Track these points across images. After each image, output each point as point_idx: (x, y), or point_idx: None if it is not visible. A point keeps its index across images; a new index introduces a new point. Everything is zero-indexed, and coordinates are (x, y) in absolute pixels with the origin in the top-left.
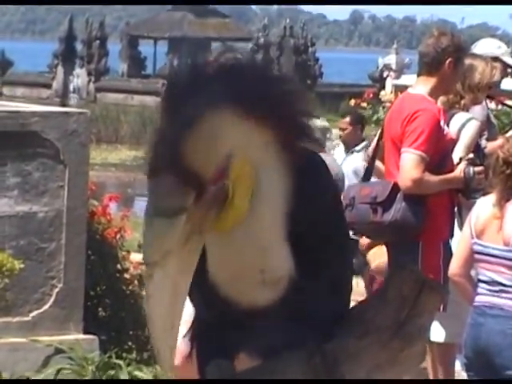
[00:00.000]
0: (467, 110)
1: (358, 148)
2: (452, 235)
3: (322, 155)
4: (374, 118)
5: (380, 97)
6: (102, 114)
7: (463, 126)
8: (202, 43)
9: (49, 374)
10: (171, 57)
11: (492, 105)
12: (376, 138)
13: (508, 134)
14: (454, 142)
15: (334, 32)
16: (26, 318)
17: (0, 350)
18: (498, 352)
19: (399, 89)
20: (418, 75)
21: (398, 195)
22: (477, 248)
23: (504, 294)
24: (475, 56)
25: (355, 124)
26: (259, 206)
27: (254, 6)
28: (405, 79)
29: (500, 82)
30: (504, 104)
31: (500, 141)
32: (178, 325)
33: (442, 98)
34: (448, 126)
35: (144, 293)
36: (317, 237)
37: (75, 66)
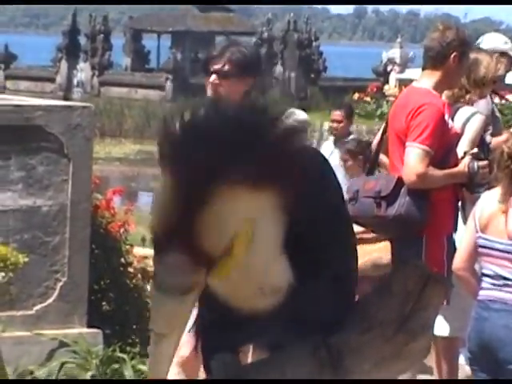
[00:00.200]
0: (472, 104)
1: (346, 141)
2: (456, 229)
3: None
4: (378, 112)
5: (384, 91)
6: (105, 108)
7: (468, 120)
8: (205, 37)
9: (53, 367)
10: (175, 51)
11: (496, 99)
12: (380, 132)
13: None
14: (459, 136)
15: (338, 26)
16: (29, 312)
17: (4, 344)
18: (501, 346)
19: (403, 83)
20: (423, 69)
21: (402, 189)
22: (481, 242)
23: (508, 288)
24: (480, 50)
25: (349, 117)
26: (257, 249)
27: None
28: (409, 73)
29: (505, 76)
30: (505, 99)
31: (505, 135)
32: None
33: (446, 92)
34: (453, 120)
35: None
36: (317, 236)
37: (79, 60)
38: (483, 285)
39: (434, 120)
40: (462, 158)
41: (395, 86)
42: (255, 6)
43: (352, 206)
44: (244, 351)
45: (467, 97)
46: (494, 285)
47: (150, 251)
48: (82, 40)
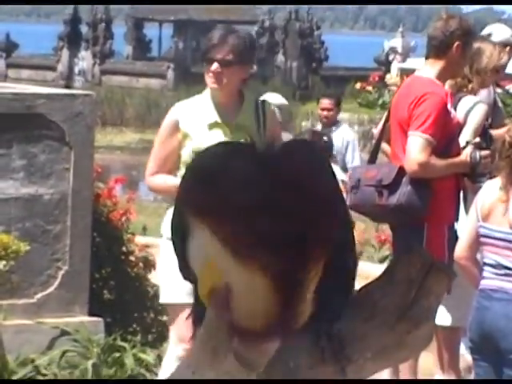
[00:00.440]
0: (475, 94)
1: (334, 128)
2: (457, 219)
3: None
4: (380, 101)
5: (385, 80)
6: (107, 96)
7: (470, 110)
8: (207, 26)
9: (54, 355)
10: (176, 40)
11: (498, 89)
12: (382, 121)
13: None
14: (461, 125)
15: (340, 15)
16: (31, 300)
17: (5, 332)
18: (502, 336)
19: (405, 72)
20: (426, 58)
21: (404, 178)
22: (482, 231)
23: (509, 278)
24: (483, 39)
25: (338, 105)
26: None
27: None
28: (410, 62)
29: (506, 65)
30: (502, 87)
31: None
32: None
33: (449, 81)
34: (455, 109)
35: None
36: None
37: (80, 49)
38: (485, 274)
39: (436, 109)
40: (464, 147)
41: (397, 76)
42: None
43: (353, 195)
44: None
45: (470, 86)
46: (495, 274)
47: (151, 240)
48: (84, 28)
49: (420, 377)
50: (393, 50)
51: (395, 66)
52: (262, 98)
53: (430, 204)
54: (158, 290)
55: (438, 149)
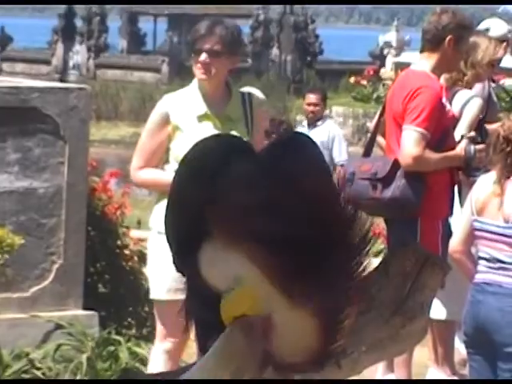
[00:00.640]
0: (470, 88)
1: (319, 123)
2: (451, 213)
3: None
4: (374, 95)
5: (380, 74)
6: (101, 90)
7: (466, 104)
8: (201, 20)
9: (49, 349)
10: (171, 33)
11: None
12: (378, 115)
13: None
14: (456, 119)
15: (334, 9)
16: (25, 294)
17: (0, 326)
18: (496, 329)
19: (399, 66)
20: (421, 52)
21: (399, 172)
22: (477, 225)
23: (503, 272)
24: (479, 33)
25: (324, 101)
26: None
27: None
28: (405, 56)
29: (501, 59)
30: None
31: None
32: None
33: (444, 75)
34: (451, 103)
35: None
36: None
37: (75, 43)
38: (479, 268)
39: (431, 103)
40: (459, 141)
41: (391, 70)
42: None
43: (348, 188)
44: None
45: (465, 80)
46: (489, 268)
47: (145, 234)
48: (78, 22)
49: (414, 370)
50: (387, 44)
51: (390, 60)
52: (245, 90)
53: (424, 198)
54: None
55: (432, 142)
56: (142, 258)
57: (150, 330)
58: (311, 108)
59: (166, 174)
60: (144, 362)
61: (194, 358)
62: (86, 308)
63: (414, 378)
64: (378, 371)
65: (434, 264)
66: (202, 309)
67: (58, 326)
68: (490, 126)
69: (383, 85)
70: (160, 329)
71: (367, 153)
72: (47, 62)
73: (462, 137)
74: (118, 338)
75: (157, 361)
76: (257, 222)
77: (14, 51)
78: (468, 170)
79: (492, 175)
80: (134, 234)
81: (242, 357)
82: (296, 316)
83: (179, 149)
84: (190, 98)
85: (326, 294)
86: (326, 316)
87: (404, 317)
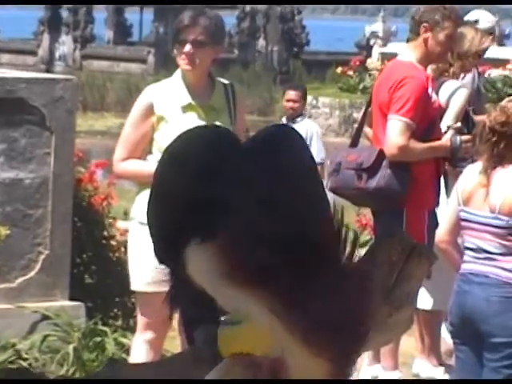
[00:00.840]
0: (457, 78)
1: (299, 119)
2: (438, 204)
3: None
4: (361, 86)
5: (366, 65)
6: (87, 81)
7: (452, 95)
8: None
9: (35, 340)
10: (157, 24)
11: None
12: (365, 105)
13: (503, 102)
14: (442, 110)
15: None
16: (12, 285)
17: None
18: (483, 319)
19: (386, 57)
20: (407, 42)
21: (384, 162)
22: (463, 215)
23: (489, 262)
24: (465, 24)
25: (305, 98)
26: None
27: None
28: (391, 47)
29: (486, 50)
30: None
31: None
32: None
33: (431, 66)
34: (437, 93)
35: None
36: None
37: (61, 33)
38: (465, 258)
39: (416, 93)
40: (446, 132)
41: (378, 60)
42: None
43: (334, 178)
44: None
45: (451, 70)
46: (476, 258)
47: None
48: (64, 13)
49: (401, 360)
50: (374, 34)
51: (376, 51)
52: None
53: (410, 188)
54: None
55: (417, 133)
56: None
57: (137, 320)
58: (290, 104)
59: (148, 165)
60: (130, 352)
61: (179, 349)
62: (72, 299)
63: (400, 368)
64: (364, 361)
65: (420, 254)
66: (187, 301)
67: (45, 317)
68: (477, 117)
69: (369, 75)
70: (141, 319)
71: (354, 143)
72: (33, 53)
73: (449, 127)
74: (104, 328)
75: (138, 351)
76: (260, 255)
77: (0, 42)
78: (454, 160)
79: (478, 165)
80: (121, 224)
81: None
82: (311, 362)
83: (164, 139)
84: (173, 88)
85: (344, 342)
86: (342, 360)
87: (391, 306)
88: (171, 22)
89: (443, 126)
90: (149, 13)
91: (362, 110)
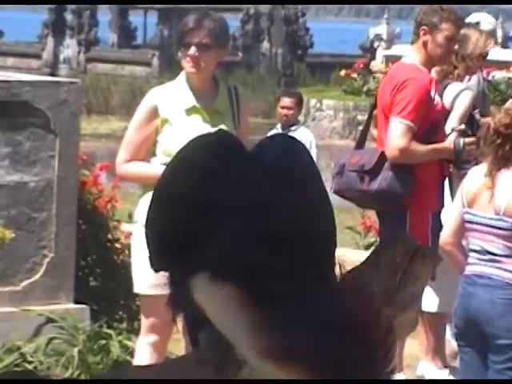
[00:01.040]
0: (461, 80)
1: (293, 128)
2: (442, 206)
3: None
4: (365, 88)
5: (370, 67)
6: (92, 84)
7: (457, 97)
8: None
9: (40, 343)
10: (161, 27)
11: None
12: (370, 107)
13: (507, 104)
14: (446, 112)
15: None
16: (16, 288)
17: None
18: (487, 321)
19: (390, 59)
20: (412, 45)
21: (386, 164)
22: (467, 217)
23: (494, 263)
24: (469, 26)
25: (300, 105)
26: None
27: None
28: (395, 49)
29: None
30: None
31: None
32: None
33: (435, 68)
34: (442, 96)
35: None
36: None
37: (65, 37)
38: (470, 260)
39: (417, 95)
40: (450, 134)
41: (382, 63)
42: None
43: (338, 180)
44: None
45: (455, 72)
46: (480, 260)
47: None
48: (69, 16)
49: (405, 362)
50: (378, 37)
51: (380, 53)
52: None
53: (413, 190)
54: None
55: (420, 135)
56: None
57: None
58: (285, 111)
59: (152, 167)
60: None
61: (184, 351)
62: (77, 302)
63: (404, 370)
64: None
65: (424, 255)
66: (189, 305)
67: (50, 320)
68: (483, 120)
69: (373, 78)
70: (145, 322)
71: (359, 145)
72: (38, 56)
73: (452, 130)
74: (109, 331)
75: (142, 353)
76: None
77: (5, 45)
78: (458, 162)
79: (483, 167)
80: (125, 227)
81: None
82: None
83: (168, 142)
84: (178, 91)
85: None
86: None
87: (395, 308)
88: (175, 25)
89: (448, 128)
90: (153, 16)
91: (368, 112)
